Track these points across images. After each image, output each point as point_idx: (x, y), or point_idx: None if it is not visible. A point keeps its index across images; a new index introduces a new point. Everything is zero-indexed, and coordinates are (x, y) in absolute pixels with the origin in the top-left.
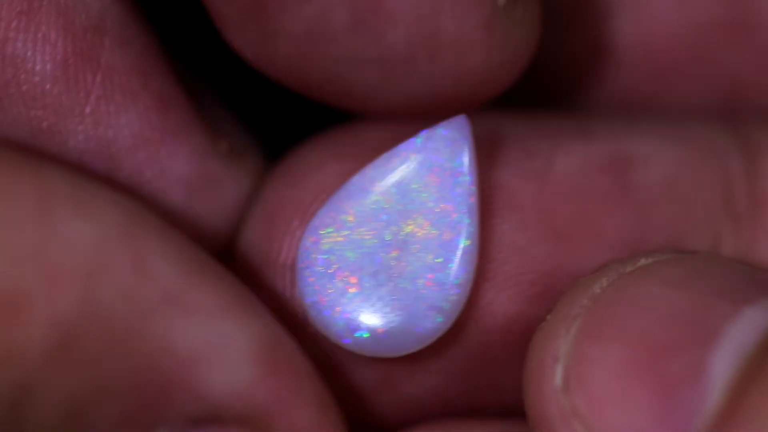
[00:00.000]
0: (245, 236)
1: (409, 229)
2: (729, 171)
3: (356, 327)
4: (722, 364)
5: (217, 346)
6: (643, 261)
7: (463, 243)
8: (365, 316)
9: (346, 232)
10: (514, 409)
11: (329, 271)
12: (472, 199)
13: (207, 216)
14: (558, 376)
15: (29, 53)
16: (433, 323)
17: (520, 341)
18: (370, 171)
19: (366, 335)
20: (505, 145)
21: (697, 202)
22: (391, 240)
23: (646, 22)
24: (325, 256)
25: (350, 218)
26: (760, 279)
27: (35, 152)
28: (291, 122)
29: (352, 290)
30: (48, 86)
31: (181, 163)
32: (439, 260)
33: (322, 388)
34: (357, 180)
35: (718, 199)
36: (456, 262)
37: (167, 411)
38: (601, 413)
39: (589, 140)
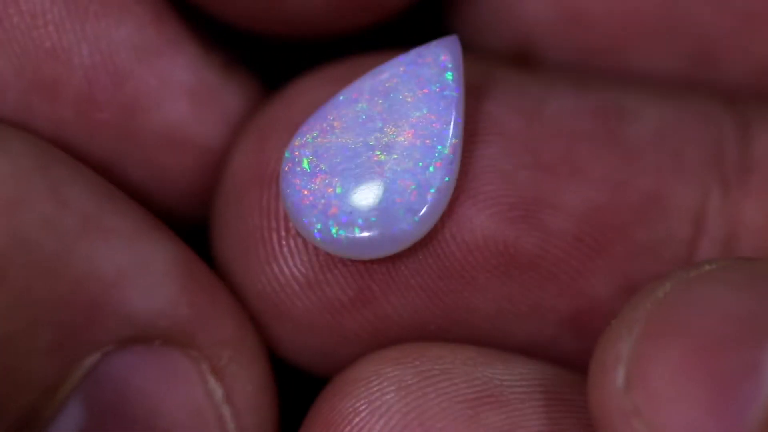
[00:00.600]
0: (236, 154)
1: (392, 135)
2: (721, 134)
3: (334, 227)
4: None
5: (138, 266)
6: (707, 267)
7: (444, 150)
8: (344, 216)
9: (331, 137)
10: (489, 337)
11: (311, 173)
12: (457, 113)
13: (210, 126)
14: (620, 376)
15: None
16: (408, 226)
17: (497, 263)
18: (358, 83)
19: (343, 235)
20: (497, 84)
21: (687, 156)
22: (374, 144)
23: None
24: (309, 158)
25: (336, 124)
26: None
27: None
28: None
29: (332, 191)
30: (47, 4)
31: (181, 72)
32: (419, 165)
33: (236, 301)
34: (345, 91)
35: (709, 159)
36: (435, 169)
37: (96, 335)
38: (660, 410)
39: (581, 89)
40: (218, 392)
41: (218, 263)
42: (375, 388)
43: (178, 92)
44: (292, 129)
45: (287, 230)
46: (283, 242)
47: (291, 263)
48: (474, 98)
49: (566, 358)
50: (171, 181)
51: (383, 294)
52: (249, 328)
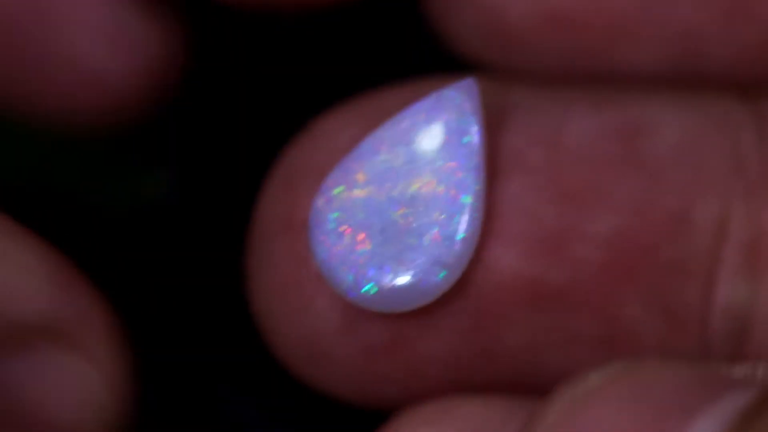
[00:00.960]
0: (264, 200)
1: (416, 186)
2: (740, 139)
3: (363, 282)
4: None
5: (15, 270)
6: (592, 380)
7: (467, 199)
8: (372, 271)
9: (356, 191)
10: (524, 368)
11: (339, 229)
12: (478, 159)
13: (122, 66)
14: None
15: None
16: (437, 278)
17: (527, 299)
18: (379, 132)
19: (373, 290)
20: (515, 111)
21: (707, 168)
22: (398, 197)
23: None
24: (336, 214)
25: (360, 177)
26: (711, 381)
27: None
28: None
29: (361, 247)
30: None
31: (96, 13)
32: (444, 216)
33: (103, 300)
34: (367, 141)
35: (729, 167)
36: (460, 218)
37: None
38: None
39: (599, 108)
40: (93, 376)
41: (254, 304)
42: None
43: (93, 34)
44: (318, 175)
45: (319, 279)
46: (316, 291)
47: (325, 312)
48: (492, 129)
49: None
50: (77, 115)
51: (417, 337)
52: (116, 323)
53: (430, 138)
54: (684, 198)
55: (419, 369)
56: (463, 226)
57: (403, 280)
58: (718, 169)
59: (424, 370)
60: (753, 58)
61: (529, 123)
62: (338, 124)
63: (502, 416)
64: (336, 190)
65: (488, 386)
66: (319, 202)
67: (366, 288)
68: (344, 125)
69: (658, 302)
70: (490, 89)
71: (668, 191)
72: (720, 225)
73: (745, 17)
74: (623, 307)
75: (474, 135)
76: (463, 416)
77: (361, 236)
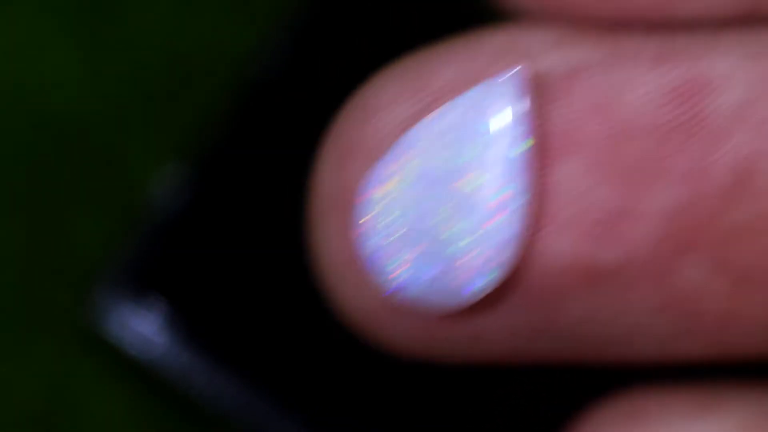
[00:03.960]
0: (319, 171)
1: (459, 187)
2: None
3: (406, 284)
4: None
5: None
6: None
7: (514, 202)
8: (415, 274)
9: (400, 189)
10: (581, 337)
11: (381, 228)
12: (527, 154)
13: None
14: None
15: None
16: (483, 282)
17: (582, 281)
18: (426, 124)
19: (417, 292)
20: (576, 78)
21: None
22: (442, 197)
23: None
24: (378, 214)
25: (404, 174)
26: None
27: None
28: None
29: (403, 249)
30: None
31: None
32: (490, 219)
33: None
34: (413, 133)
35: None
36: (507, 221)
37: None
38: None
39: (665, 64)
40: None
41: (317, 274)
42: None
43: None
44: (366, 153)
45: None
46: (367, 273)
47: (377, 293)
48: (551, 101)
49: (665, 341)
50: None
51: (473, 312)
52: None
53: (476, 136)
54: (748, 158)
55: (478, 335)
56: (510, 230)
57: (446, 284)
58: None
59: (482, 337)
60: None
61: (589, 91)
62: (393, 94)
63: (686, 414)
64: (379, 187)
65: (549, 352)
66: (365, 195)
67: (407, 290)
68: (399, 96)
69: (722, 265)
70: (551, 43)
71: (732, 153)
72: None
73: None
74: (681, 276)
75: (521, 130)
76: (658, 414)
77: (405, 238)
